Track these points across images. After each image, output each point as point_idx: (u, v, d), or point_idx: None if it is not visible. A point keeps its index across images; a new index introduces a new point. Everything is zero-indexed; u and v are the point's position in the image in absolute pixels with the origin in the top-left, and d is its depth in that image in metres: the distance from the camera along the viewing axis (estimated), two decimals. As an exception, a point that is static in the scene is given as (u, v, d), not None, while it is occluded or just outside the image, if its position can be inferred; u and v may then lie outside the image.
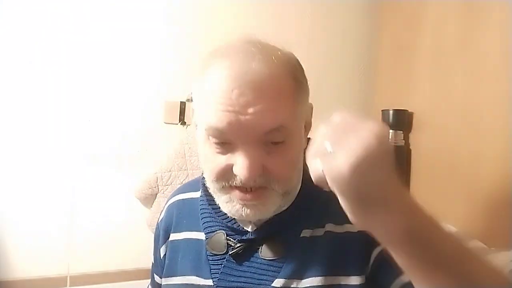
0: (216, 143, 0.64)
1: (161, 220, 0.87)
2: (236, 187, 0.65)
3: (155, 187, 1.81)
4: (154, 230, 0.92)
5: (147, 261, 1.96)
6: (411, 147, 2.17)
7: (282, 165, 0.64)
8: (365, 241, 0.67)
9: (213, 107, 0.61)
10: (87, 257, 1.75)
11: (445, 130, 1.95)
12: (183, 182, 1.84)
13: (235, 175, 0.63)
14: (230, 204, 0.67)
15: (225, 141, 0.63)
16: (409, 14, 2.22)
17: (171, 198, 0.89)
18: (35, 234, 1.67)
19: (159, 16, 1.90)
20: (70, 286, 1.72)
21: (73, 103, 1.75)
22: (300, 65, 0.69)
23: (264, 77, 0.60)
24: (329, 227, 0.71)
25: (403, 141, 2.15)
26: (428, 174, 2.03)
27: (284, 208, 0.71)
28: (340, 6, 2.34)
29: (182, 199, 0.85)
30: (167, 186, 1.82)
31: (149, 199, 1.84)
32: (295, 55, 0.71)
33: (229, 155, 0.63)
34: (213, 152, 0.65)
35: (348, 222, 0.71)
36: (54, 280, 1.70)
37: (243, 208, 0.66)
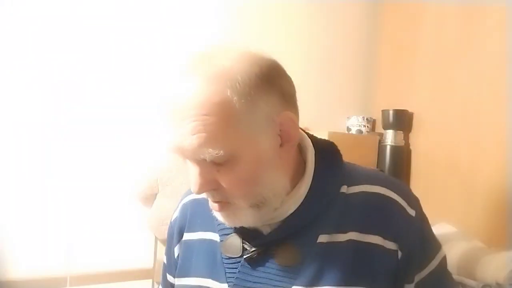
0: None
1: (175, 219, 0.86)
2: None
3: (155, 187, 1.81)
4: (162, 230, 0.91)
5: (147, 261, 1.97)
6: (411, 147, 2.17)
7: (232, 183, 0.64)
8: (406, 260, 0.67)
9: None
10: (87, 257, 1.76)
11: (445, 130, 1.95)
12: (183, 182, 1.83)
13: None
14: (213, 211, 0.70)
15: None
16: (409, 14, 2.22)
17: (185, 197, 0.88)
18: (35, 234, 1.67)
19: (159, 16, 1.91)
20: (70, 286, 1.73)
21: (73, 104, 1.75)
22: (257, 75, 0.62)
23: (188, 98, 0.60)
24: (353, 235, 0.67)
25: (403, 141, 2.15)
26: (428, 174, 2.03)
27: (290, 212, 0.69)
28: (340, 6, 2.34)
29: (196, 198, 0.84)
30: (167, 186, 1.82)
31: (149, 199, 1.84)
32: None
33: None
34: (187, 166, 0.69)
35: (377, 233, 0.67)
36: (54, 280, 1.70)
37: (221, 215, 0.68)
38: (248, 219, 0.67)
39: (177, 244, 0.83)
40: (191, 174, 0.65)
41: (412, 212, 0.70)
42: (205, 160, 0.62)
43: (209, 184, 0.64)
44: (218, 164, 0.63)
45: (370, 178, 0.73)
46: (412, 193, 0.74)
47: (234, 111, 0.61)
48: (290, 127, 0.67)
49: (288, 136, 0.67)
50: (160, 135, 0.65)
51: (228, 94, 0.60)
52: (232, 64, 0.63)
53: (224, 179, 0.63)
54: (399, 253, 0.67)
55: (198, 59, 0.64)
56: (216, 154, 0.61)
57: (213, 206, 0.68)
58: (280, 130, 0.66)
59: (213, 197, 0.66)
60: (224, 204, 0.66)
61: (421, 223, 0.72)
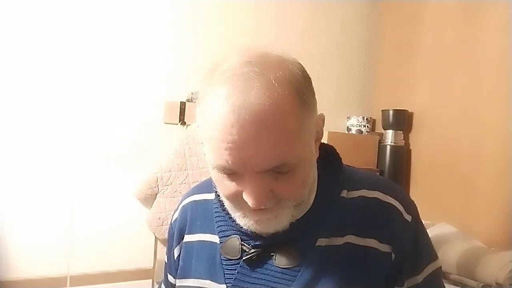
0: (224, 173, 0.62)
1: (175, 220, 0.86)
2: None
3: (155, 187, 1.81)
4: (162, 230, 0.91)
5: (147, 261, 1.97)
6: (411, 147, 2.17)
7: (291, 188, 0.62)
8: (399, 262, 0.67)
9: (215, 144, 0.58)
10: (87, 257, 1.76)
11: (445, 130, 1.95)
12: (183, 182, 1.84)
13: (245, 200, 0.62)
14: (244, 219, 0.66)
15: (232, 172, 0.61)
16: (409, 14, 2.22)
17: (185, 198, 0.87)
18: (35, 234, 1.67)
19: (159, 16, 1.91)
20: (70, 286, 1.73)
21: (73, 103, 1.76)
22: (305, 78, 0.62)
23: (264, 108, 0.55)
24: (350, 238, 0.68)
25: (403, 141, 2.15)
26: (428, 174, 2.03)
27: (298, 217, 0.69)
28: (340, 6, 2.34)
29: (196, 200, 0.84)
30: (167, 186, 1.82)
31: (149, 199, 1.84)
32: (296, 58, 0.65)
33: (238, 181, 0.62)
34: (222, 178, 0.63)
35: (373, 236, 0.68)
36: (54, 280, 1.70)
37: (258, 223, 0.64)
38: (286, 221, 0.66)
39: (176, 245, 0.83)
40: (248, 190, 0.60)
41: (408, 218, 0.70)
42: (269, 170, 0.58)
43: (268, 194, 0.61)
44: (279, 172, 0.59)
45: (369, 183, 0.73)
46: (410, 199, 0.74)
47: (303, 117, 0.60)
48: (321, 126, 0.68)
49: (319, 135, 0.68)
50: (217, 149, 0.57)
51: (298, 99, 0.59)
52: (290, 69, 0.60)
53: (283, 186, 0.61)
54: (393, 256, 0.67)
55: (259, 65, 0.58)
56: (293, 164, 0.58)
57: (257, 215, 0.63)
58: (317, 131, 0.67)
59: (265, 206, 0.62)
60: (273, 208, 0.63)
61: (417, 228, 0.71)
